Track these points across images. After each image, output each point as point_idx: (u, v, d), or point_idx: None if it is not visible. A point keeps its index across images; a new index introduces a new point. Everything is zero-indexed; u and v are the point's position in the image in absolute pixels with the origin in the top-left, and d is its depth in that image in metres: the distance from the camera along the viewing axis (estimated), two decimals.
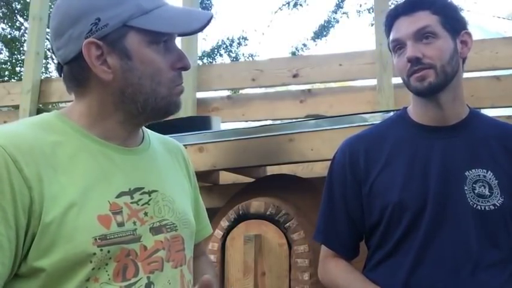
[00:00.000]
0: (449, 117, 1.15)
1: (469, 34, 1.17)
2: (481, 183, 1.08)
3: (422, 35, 1.10)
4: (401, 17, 1.14)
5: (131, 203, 0.85)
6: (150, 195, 0.89)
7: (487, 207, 1.06)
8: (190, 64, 0.92)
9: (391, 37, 1.17)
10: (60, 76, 0.91)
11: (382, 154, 1.17)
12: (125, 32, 0.83)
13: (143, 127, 0.99)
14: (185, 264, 0.93)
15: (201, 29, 0.89)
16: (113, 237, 0.79)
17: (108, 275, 0.78)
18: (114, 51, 0.84)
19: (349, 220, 1.20)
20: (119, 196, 0.84)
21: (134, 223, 0.84)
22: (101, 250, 0.77)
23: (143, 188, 0.88)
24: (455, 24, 1.14)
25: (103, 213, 0.80)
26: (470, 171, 1.09)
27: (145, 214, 0.86)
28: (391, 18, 1.17)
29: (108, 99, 0.87)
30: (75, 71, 0.87)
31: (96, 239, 0.77)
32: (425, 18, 1.11)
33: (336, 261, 1.22)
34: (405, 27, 1.12)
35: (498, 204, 1.06)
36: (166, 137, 1.12)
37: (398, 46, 1.14)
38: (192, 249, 1.00)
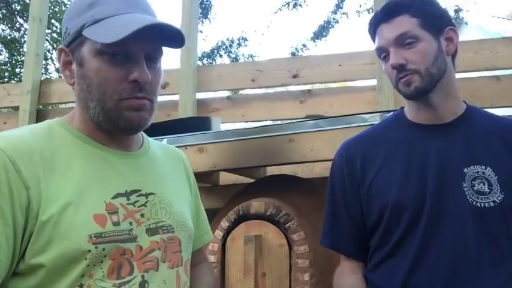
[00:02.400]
0: (444, 115, 1.15)
1: (454, 30, 1.16)
2: (480, 180, 1.07)
3: (404, 41, 1.10)
4: (382, 24, 1.15)
5: (127, 204, 0.87)
6: (147, 198, 0.91)
7: (486, 204, 1.05)
8: (148, 77, 0.86)
9: (375, 45, 1.18)
10: None
11: (379, 155, 1.17)
12: (83, 41, 0.87)
13: (142, 133, 1.00)
14: (182, 265, 0.94)
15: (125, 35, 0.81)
16: (108, 235, 0.81)
17: (103, 272, 0.80)
18: (74, 58, 0.89)
19: (352, 223, 1.20)
20: (115, 197, 0.86)
21: (130, 223, 0.86)
22: (96, 248, 0.80)
23: (140, 190, 0.91)
24: (436, 23, 1.13)
25: (99, 212, 0.82)
26: (469, 168, 1.09)
27: (142, 215, 0.88)
28: (374, 26, 1.18)
29: (79, 103, 0.91)
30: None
31: (91, 237, 0.80)
32: (404, 23, 1.11)
33: (348, 275, 1.20)
34: (386, 34, 1.13)
35: (498, 201, 1.05)
36: (168, 145, 1.15)
37: (383, 54, 1.15)
38: (190, 251, 1.01)
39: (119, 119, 0.87)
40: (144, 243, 0.86)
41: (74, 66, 0.89)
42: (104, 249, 0.80)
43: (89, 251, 0.79)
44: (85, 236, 0.79)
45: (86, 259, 0.79)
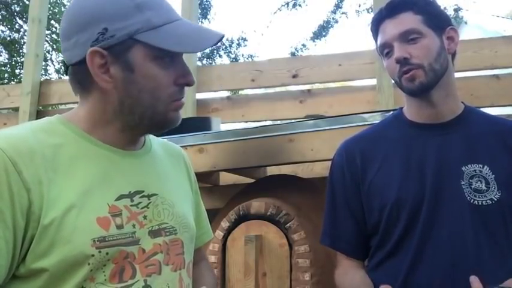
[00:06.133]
0: (443, 114, 1.16)
1: (455, 30, 1.18)
2: (477, 178, 1.08)
3: (408, 36, 1.12)
4: (386, 20, 1.16)
5: (131, 205, 0.86)
6: (149, 199, 0.89)
7: (484, 201, 1.06)
8: (194, 80, 0.91)
9: (378, 41, 1.18)
10: (66, 74, 0.91)
11: (378, 154, 1.18)
12: (131, 45, 0.83)
13: None
14: (184, 268, 0.93)
15: (208, 47, 0.91)
16: (111, 239, 0.80)
17: (105, 275, 0.79)
18: (117, 62, 0.84)
19: (353, 221, 1.20)
20: (118, 199, 0.84)
21: (133, 226, 0.84)
22: (99, 252, 0.78)
23: (143, 191, 0.89)
24: (439, 21, 1.15)
25: (102, 215, 0.81)
26: (466, 166, 1.10)
27: (145, 217, 0.87)
28: (376, 23, 1.18)
29: (107, 107, 0.87)
30: (79, 75, 0.88)
31: (94, 241, 0.78)
32: (408, 20, 1.12)
33: (354, 272, 1.20)
34: (390, 29, 1.14)
35: (495, 199, 1.06)
36: (169, 142, 1.12)
37: (386, 50, 1.16)
38: (192, 252, 1.00)
39: (164, 120, 0.89)
40: (147, 245, 0.85)
41: (114, 71, 0.84)
42: (107, 253, 0.79)
43: (92, 255, 0.77)
44: (88, 240, 0.78)
45: (88, 264, 0.77)
